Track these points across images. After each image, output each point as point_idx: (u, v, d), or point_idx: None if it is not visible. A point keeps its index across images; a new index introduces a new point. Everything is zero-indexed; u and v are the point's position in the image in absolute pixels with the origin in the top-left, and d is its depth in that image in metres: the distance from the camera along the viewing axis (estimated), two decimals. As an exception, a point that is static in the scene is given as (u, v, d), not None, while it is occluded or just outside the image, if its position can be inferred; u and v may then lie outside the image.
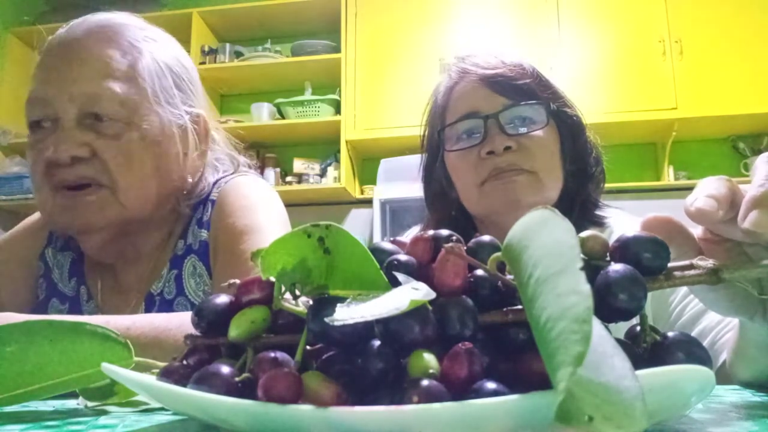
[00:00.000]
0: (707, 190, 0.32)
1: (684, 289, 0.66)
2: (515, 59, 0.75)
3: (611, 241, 0.28)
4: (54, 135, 0.64)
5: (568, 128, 0.75)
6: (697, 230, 0.35)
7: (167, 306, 0.71)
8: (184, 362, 0.29)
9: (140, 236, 0.72)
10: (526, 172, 0.70)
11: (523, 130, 0.72)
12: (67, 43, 0.66)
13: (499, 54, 0.76)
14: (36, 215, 0.80)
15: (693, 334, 0.58)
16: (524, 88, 0.72)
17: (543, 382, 0.19)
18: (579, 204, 0.76)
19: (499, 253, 0.25)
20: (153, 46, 0.70)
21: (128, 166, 0.65)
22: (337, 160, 2.75)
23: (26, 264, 0.76)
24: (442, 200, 0.80)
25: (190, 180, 0.73)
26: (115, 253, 0.72)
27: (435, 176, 0.80)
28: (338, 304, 0.23)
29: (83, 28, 0.67)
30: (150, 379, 0.27)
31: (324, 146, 2.87)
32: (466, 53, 0.79)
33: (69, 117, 0.64)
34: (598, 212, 0.77)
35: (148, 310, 0.71)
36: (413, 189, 2.87)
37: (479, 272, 0.26)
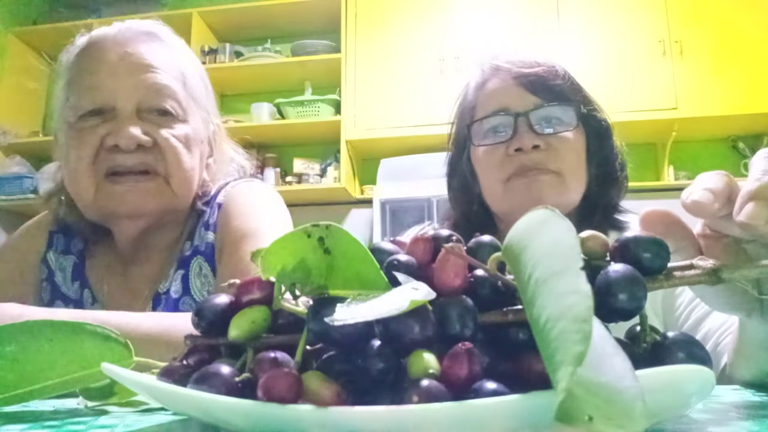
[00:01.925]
0: (704, 183, 0.32)
1: (691, 293, 0.66)
2: (548, 60, 0.76)
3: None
4: (112, 123, 0.66)
5: (596, 132, 0.75)
6: (696, 227, 0.35)
7: (173, 305, 0.72)
8: (184, 362, 0.29)
9: (159, 233, 0.74)
10: (552, 172, 0.71)
11: (551, 130, 0.72)
12: (123, 40, 0.69)
13: (532, 53, 0.77)
14: (36, 219, 0.81)
15: (698, 336, 0.58)
16: (556, 90, 0.73)
17: (543, 382, 0.19)
18: (601, 208, 0.77)
19: (499, 253, 0.25)
20: (190, 56, 0.76)
21: (181, 158, 0.68)
22: (337, 160, 2.75)
23: (29, 268, 0.77)
24: (465, 195, 0.80)
25: (210, 183, 0.77)
26: (136, 245, 0.74)
27: (460, 171, 0.80)
28: (338, 304, 0.23)
29: (134, 30, 0.71)
30: (150, 379, 0.27)
31: (324, 146, 2.86)
32: (497, 51, 0.79)
33: (129, 108, 0.66)
34: (619, 217, 0.78)
35: (154, 308, 0.72)
36: (413, 189, 2.86)
37: (479, 272, 0.26)
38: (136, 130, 0.65)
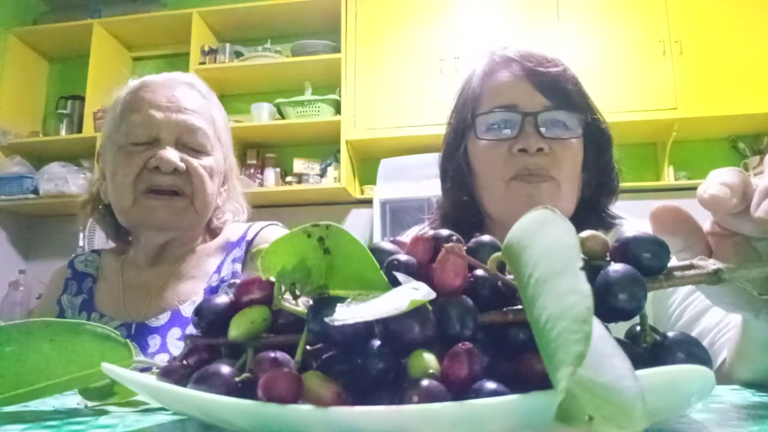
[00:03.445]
0: (720, 178, 0.31)
1: (684, 291, 0.66)
2: (559, 60, 0.74)
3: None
4: (155, 149, 0.81)
5: (596, 142, 0.74)
6: (705, 225, 0.35)
7: None
8: (184, 362, 0.29)
9: (175, 245, 0.88)
10: (551, 179, 0.70)
11: (557, 135, 0.71)
12: (171, 86, 0.86)
13: (542, 50, 0.75)
14: (56, 270, 0.97)
15: (692, 335, 0.58)
16: (566, 94, 0.72)
17: (543, 382, 0.19)
18: (596, 215, 0.76)
19: (499, 253, 0.25)
20: (218, 104, 0.92)
21: (205, 184, 0.84)
22: (337, 160, 2.75)
23: (51, 308, 0.90)
24: (458, 185, 0.78)
25: (221, 208, 0.92)
26: (155, 254, 0.88)
27: (456, 160, 0.78)
28: (338, 304, 0.23)
29: (178, 80, 0.88)
30: (150, 379, 0.28)
31: (324, 146, 2.86)
32: (506, 42, 0.77)
33: (170, 139, 0.82)
34: (609, 220, 0.77)
35: (172, 322, 0.81)
36: (413, 189, 2.84)
37: (479, 272, 0.26)
38: (175, 157, 0.80)
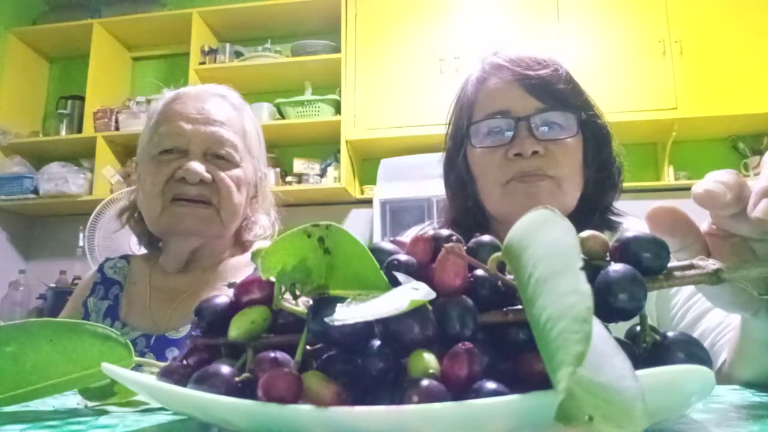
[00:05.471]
0: (715, 177, 0.32)
1: (687, 293, 0.66)
2: (551, 60, 0.74)
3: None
4: (183, 160, 0.83)
5: (595, 138, 0.75)
6: (702, 225, 0.35)
7: None
8: (184, 362, 0.29)
9: (203, 253, 0.89)
10: (550, 178, 0.70)
11: (552, 136, 0.71)
12: (203, 98, 0.88)
13: (534, 52, 0.75)
14: (88, 274, 0.99)
15: (694, 335, 0.58)
16: (558, 94, 0.72)
17: (543, 382, 0.19)
18: (599, 211, 0.76)
19: (499, 253, 0.25)
20: (250, 115, 0.94)
21: (232, 195, 0.85)
22: (337, 160, 2.75)
23: (77, 309, 0.92)
24: (461, 192, 0.79)
25: (252, 218, 0.94)
26: (185, 261, 0.89)
27: (456, 168, 0.79)
28: (338, 304, 0.23)
29: (210, 92, 0.91)
30: (150, 379, 0.28)
31: (324, 146, 2.86)
32: (498, 47, 0.78)
33: (198, 151, 0.84)
34: (613, 218, 0.77)
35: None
36: (413, 189, 2.83)
37: (479, 272, 0.26)
38: (201, 168, 0.82)
